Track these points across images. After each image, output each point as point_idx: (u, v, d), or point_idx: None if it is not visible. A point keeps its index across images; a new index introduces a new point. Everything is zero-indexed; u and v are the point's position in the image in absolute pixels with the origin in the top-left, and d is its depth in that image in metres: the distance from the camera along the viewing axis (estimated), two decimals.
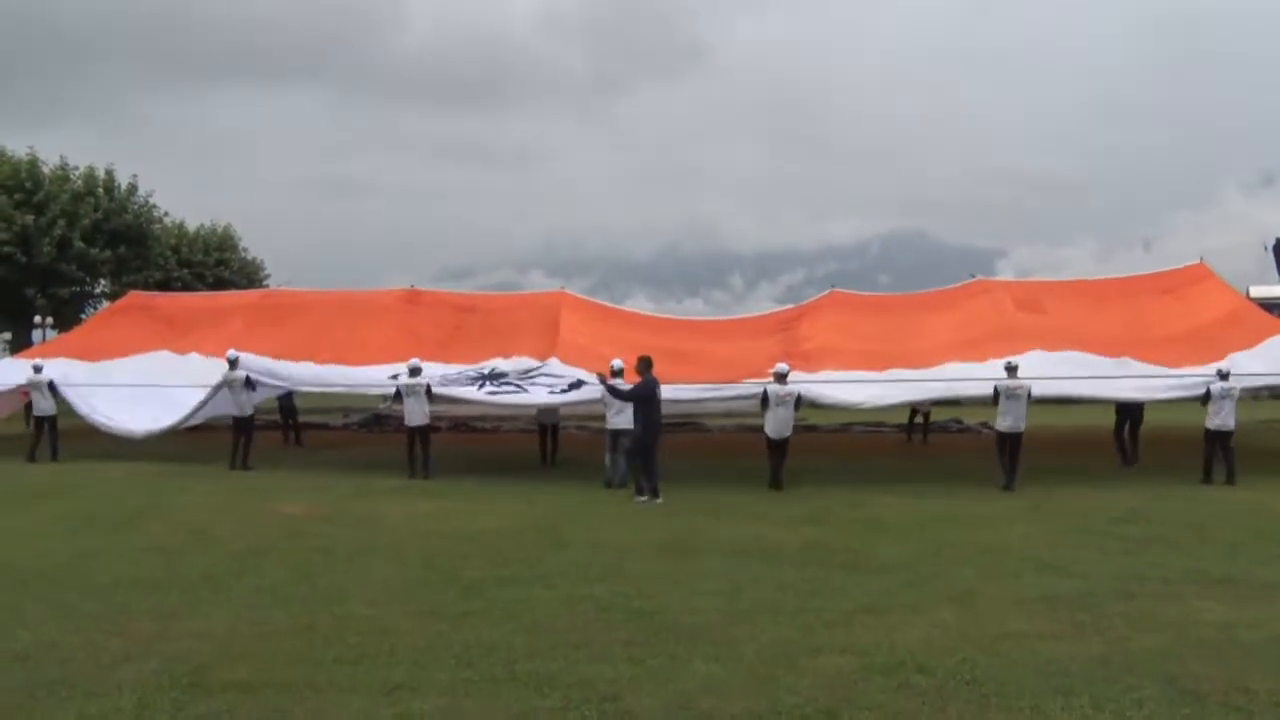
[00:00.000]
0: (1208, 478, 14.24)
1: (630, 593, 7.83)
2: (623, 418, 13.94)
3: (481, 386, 15.94)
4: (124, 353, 19.56)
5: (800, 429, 16.08)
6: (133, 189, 33.06)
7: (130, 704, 5.33)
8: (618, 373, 14.23)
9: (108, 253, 31.05)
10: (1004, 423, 14.17)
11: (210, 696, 5.44)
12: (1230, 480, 14.03)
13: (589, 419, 14.44)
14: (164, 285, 33.89)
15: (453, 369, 16.59)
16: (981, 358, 15.42)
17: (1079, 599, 7.56)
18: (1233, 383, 14.30)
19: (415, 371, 15.40)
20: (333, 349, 17.84)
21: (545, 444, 17.10)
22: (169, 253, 36.67)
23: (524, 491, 13.57)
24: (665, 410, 13.78)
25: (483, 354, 17.20)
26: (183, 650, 6.28)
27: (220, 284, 36.61)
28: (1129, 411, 16.39)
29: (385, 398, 15.38)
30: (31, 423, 18.17)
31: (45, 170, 30.61)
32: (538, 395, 15.72)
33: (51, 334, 31.73)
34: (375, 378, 16.42)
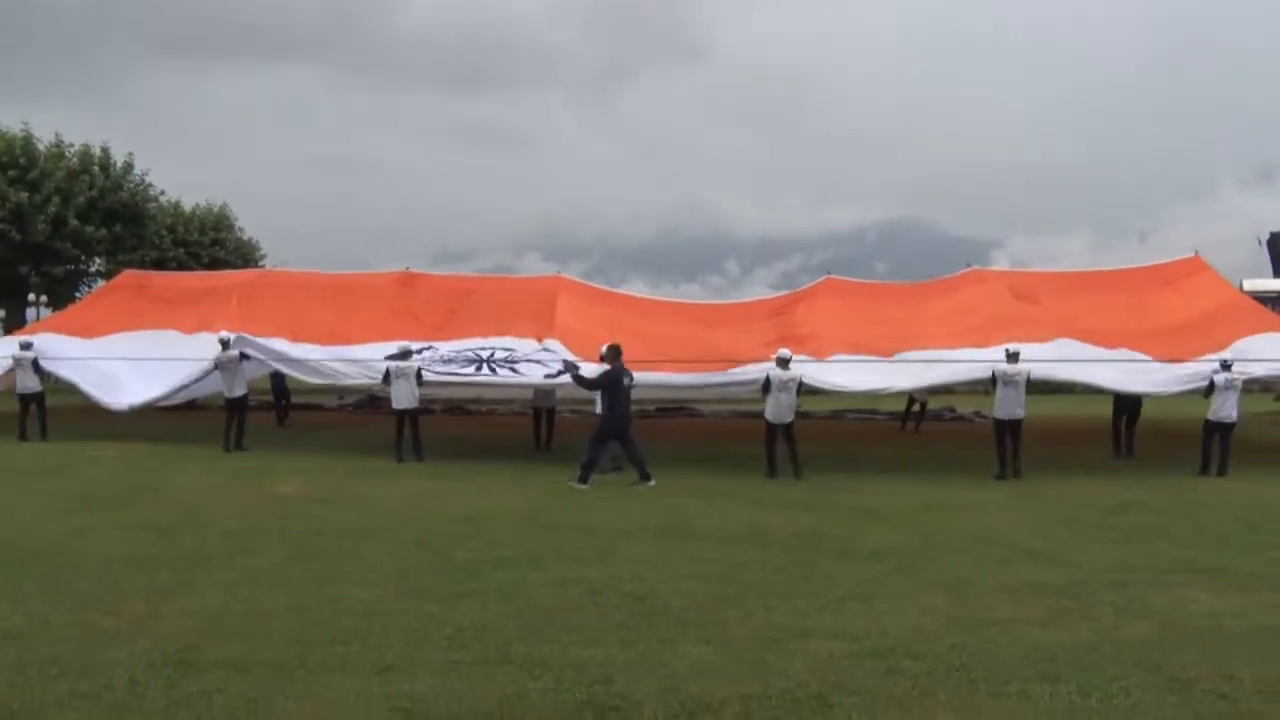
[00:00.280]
0: (1205, 469, 14.21)
1: (622, 576, 7.86)
2: None
3: (480, 369, 15.93)
4: (117, 330, 19.53)
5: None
6: (128, 167, 32.89)
7: (122, 681, 5.35)
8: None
9: (103, 231, 30.92)
10: (1002, 410, 14.08)
11: (202, 675, 5.46)
12: (1221, 472, 14.06)
13: (585, 404, 14.44)
14: (159, 264, 33.75)
15: (448, 346, 16.57)
16: (978, 345, 15.43)
17: (1068, 587, 7.60)
18: (1236, 373, 14.23)
19: (404, 354, 15.38)
20: (327, 331, 17.81)
21: (540, 428, 17.11)
22: (164, 232, 36.50)
23: (518, 475, 13.59)
24: (664, 395, 13.78)
25: (478, 335, 17.18)
26: (175, 629, 6.30)
27: (216, 264, 36.46)
28: (1127, 403, 16.35)
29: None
30: (18, 402, 18.02)
31: (40, 147, 30.39)
32: (533, 374, 15.71)
33: (46, 312, 31.65)
34: (372, 360, 16.31)
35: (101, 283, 29.60)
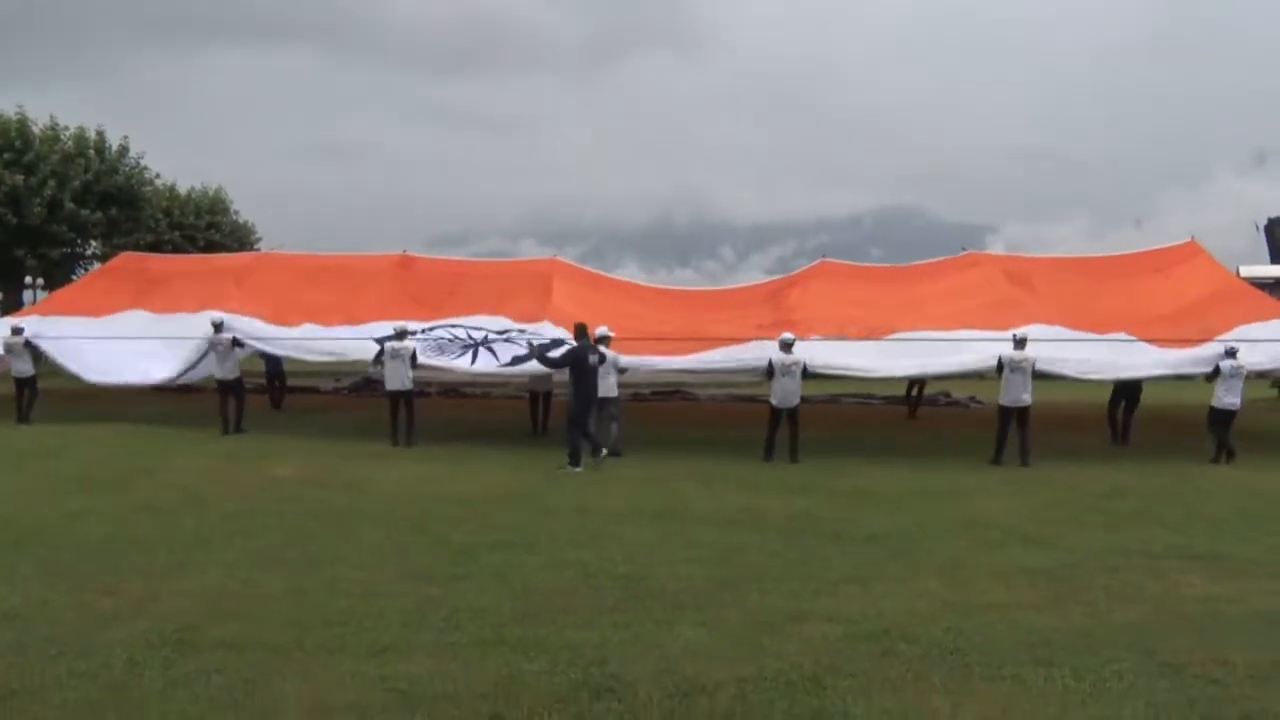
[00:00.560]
0: (1217, 458, 14.08)
1: (617, 559, 7.89)
2: (604, 385, 13.99)
3: (475, 358, 15.87)
4: (114, 311, 19.50)
5: None
6: (124, 150, 32.76)
7: (120, 661, 5.38)
8: (603, 339, 14.19)
9: (99, 214, 30.82)
10: (1007, 396, 13.95)
11: (199, 655, 5.49)
12: (1217, 460, 14.03)
13: None
14: (155, 247, 33.63)
15: (442, 325, 16.56)
16: (975, 329, 15.40)
17: (1062, 571, 7.64)
18: (1241, 360, 14.15)
19: (400, 335, 15.30)
20: (325, 312, 17.79)
21: (536, 411, 17.11)
22: (160, 215, 36.39)
23: (514, 458, 13.60)
24: (665, 379, 13.76)
25: (478, 314, 17.19)
26: (173, 610, 6.33)
27: (211, 247, 36.37)
28: (1126, 390, 16.24)
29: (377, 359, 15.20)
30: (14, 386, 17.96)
31: (35, 130, 30.28)
32: (505, 355, 15.67)
33: (43, 295, 31.56)
34: (366, 344, 16.25)
35: (98, 265, 29.52)
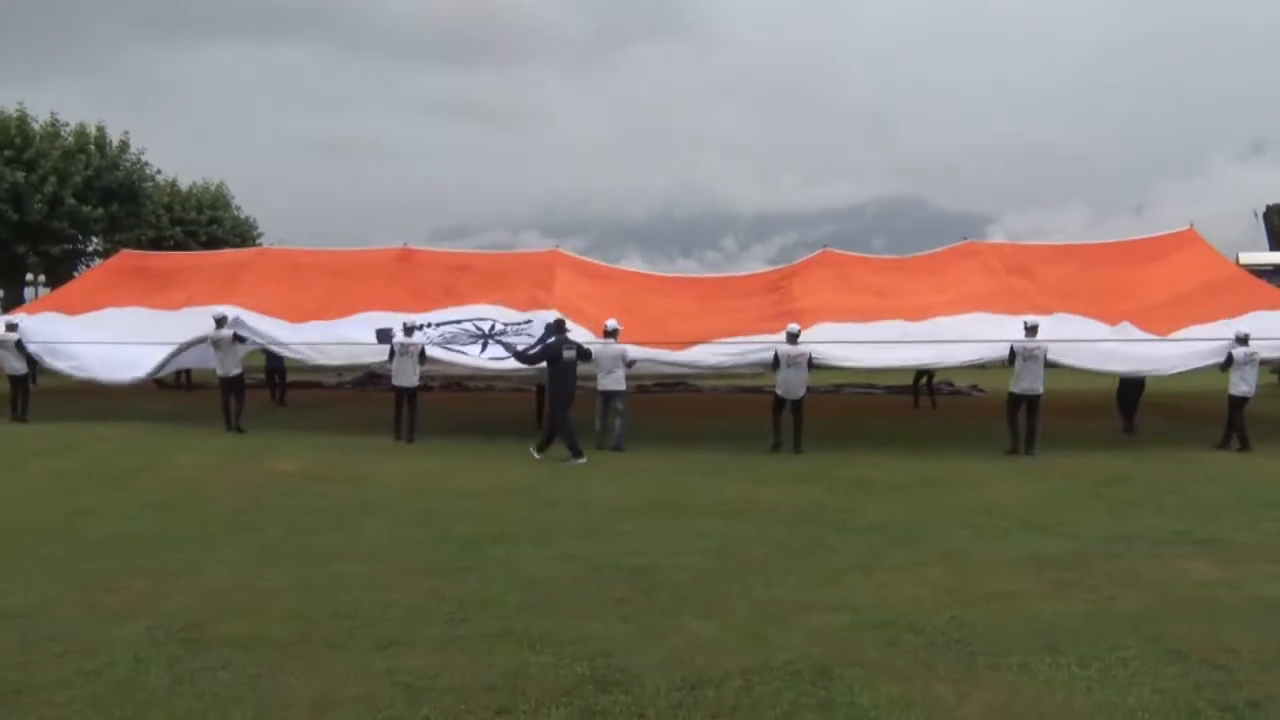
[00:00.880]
0: (1243, 445, 13.95)
1: (622, 551, 7.90)
2: (612, 379, 14.00)
3: (485, 348, 15.86)
4: (110, 305, 19.51)
5: None
6: (124, 146, 32.74)
7: (126, 659, 5.38)
8: (611, 333, 14.19)
9: (100, 210, 30.82)
10: (1020, 384, 13.83)
11: (205, 652, 5.50)
12: (1225, 445, 14.01)
13: (588, 380, 14.44)
14: (156, 243, 33.69)
15: (448, 322, 16.55)
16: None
17: (1066, 559, 7.64)
18: (1254, 346, 14.00)
19: (409, 330, 15.32)
20: (326, 307, 17.76)
21: (543, 404, 17.04)
22: (161, 210, 36.44)
23: (517, 451, 13.59)
24: (669, 372, 13.73)
25: (480, 303, 17.19)
26: (178, 607, 6.33)
27: (213, 242, 36.37)
28: (1133, 379, 16.14)
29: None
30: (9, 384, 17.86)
31: (35, 127, 30.29)
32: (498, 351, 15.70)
33: (44, 292, 31.58)
34: (367, 342, 16.20)
35: (99, 262, 29.54)
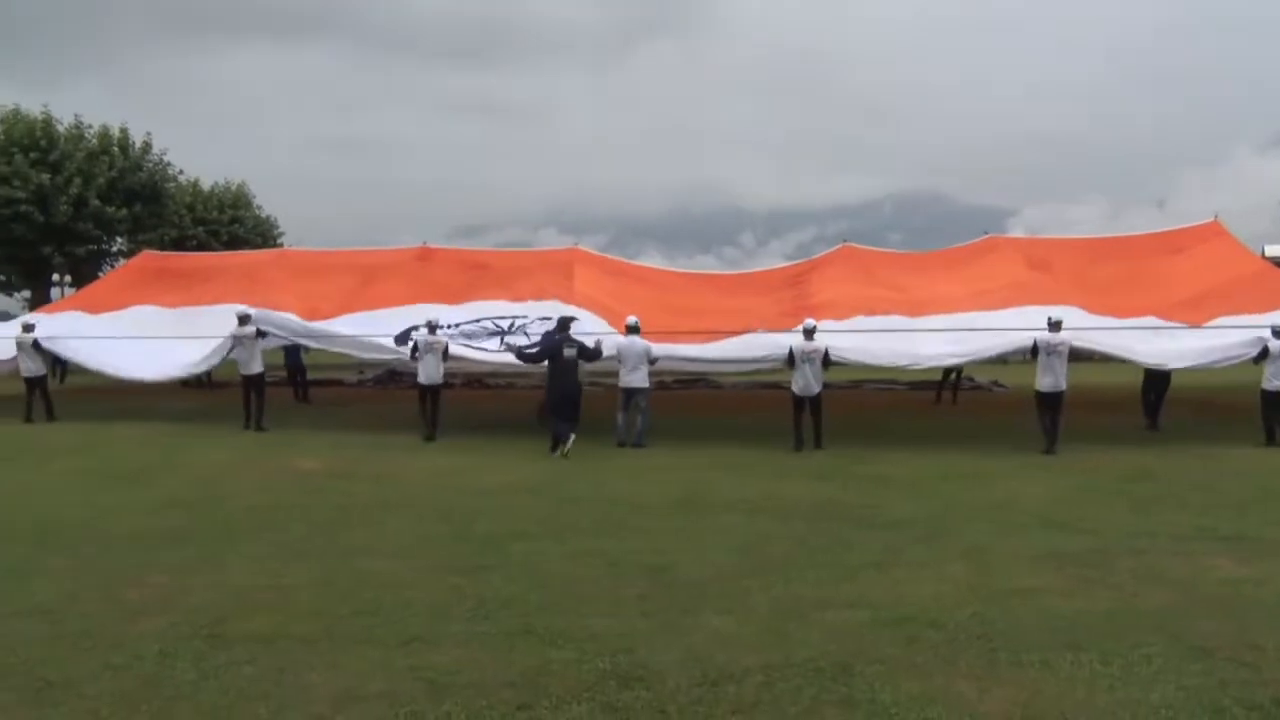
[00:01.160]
0: (1270, 440, 13.77)
1: (642, 548, 7.91)
2: (636, 375, 14.01)
3: (503, 340, 15.93)
4: (134, 304, 19.69)
5: None
6: (147, 147, 33.08)
7: (152, 654, 5.44)
8: (633, 329, 14.19)
9: (124, 211, 31.14)
10: (1044, 381, 13.61)
11: (230, 647, 5.54)
12: (1271, 443, 13.71)
13: (608, 375, 14.48)
14: (179, 243, 34.04)
15: (469, 321, 16.62)
16: (997, 312, 15.29)
17: (1089, 555, 7.59)
18: None
19: (433, 328, 15.37)
20: (346, 306, 17.86)
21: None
22: (184, 211, 36.79)
23: (538, 448, 13.62)
24: (686, 368, 13.72)
25: (500, 300, 17.29)
26: (203, 603, 6.39)
27: (235, 242, 36.70)
28: (1158, 374, 15.81)
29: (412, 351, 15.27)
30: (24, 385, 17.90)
31: (60, 129, 30.65)
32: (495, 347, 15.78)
33: (70, 292, 31.90)
34: (390, 337, 16.30)
35: (123, 262, 29.80)
